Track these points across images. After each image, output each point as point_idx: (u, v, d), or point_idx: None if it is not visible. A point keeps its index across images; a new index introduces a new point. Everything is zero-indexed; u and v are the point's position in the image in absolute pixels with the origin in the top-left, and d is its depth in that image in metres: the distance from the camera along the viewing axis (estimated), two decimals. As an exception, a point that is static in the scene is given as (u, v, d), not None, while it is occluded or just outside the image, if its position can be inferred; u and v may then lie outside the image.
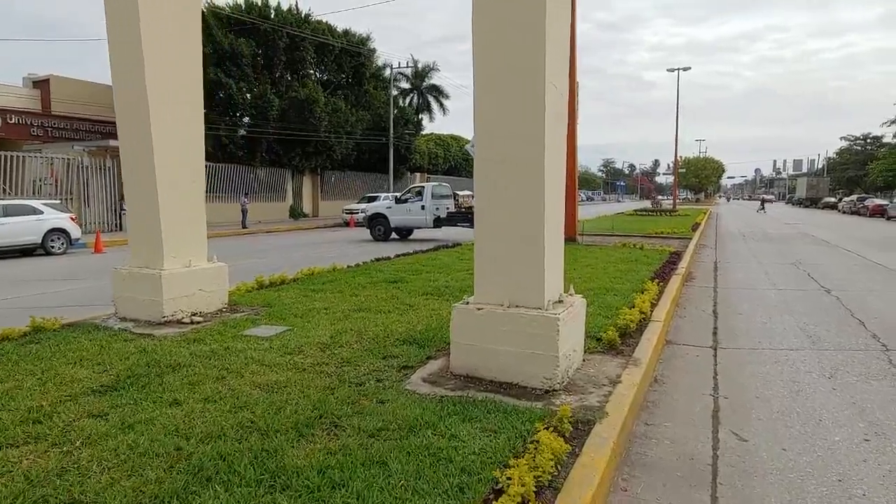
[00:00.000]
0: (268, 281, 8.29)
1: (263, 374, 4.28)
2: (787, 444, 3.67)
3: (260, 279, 8.19)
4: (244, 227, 26.65)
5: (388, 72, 46.26)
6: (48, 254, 15.60)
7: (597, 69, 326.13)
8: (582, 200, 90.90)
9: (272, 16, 31.19)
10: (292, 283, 8.42)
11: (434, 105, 58.84)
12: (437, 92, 59.65)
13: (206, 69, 22.40)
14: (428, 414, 3.52)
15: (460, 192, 44.57)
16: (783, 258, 13.78)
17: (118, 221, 24.68)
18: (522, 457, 2.87)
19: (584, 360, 4.68)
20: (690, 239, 17.02)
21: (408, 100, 59.49)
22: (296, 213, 34.99)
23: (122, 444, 3.12)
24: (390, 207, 19.64)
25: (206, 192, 22.42)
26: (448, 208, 19.79)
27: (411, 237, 21.04)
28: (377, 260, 11.18)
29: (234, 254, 15.59)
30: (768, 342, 6.09)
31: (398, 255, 12.14)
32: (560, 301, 4.41)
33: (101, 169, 23.53)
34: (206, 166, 21.77)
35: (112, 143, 23.53)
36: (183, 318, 6.04)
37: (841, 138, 79.36)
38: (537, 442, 2.99)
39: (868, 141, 73.52)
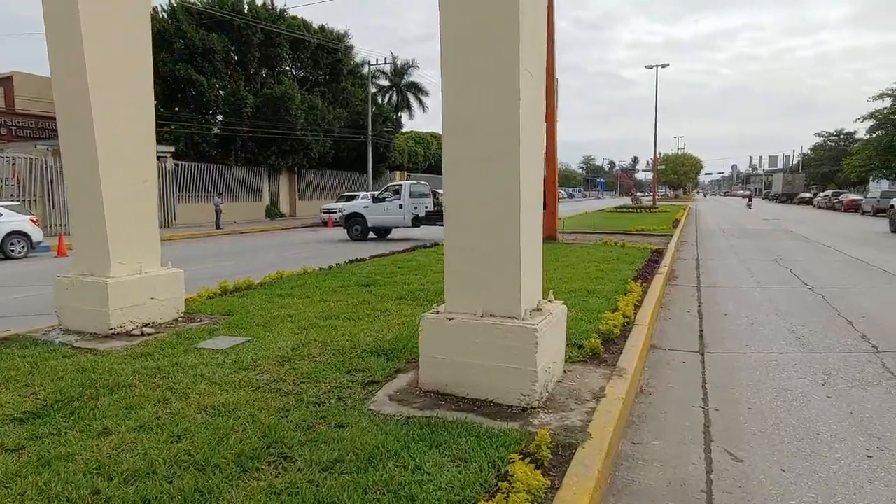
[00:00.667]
0: (232, 286, 7.82)
1: (212, 395, 3.85)
2: (785, 463, 3.36)
3: (224, 284, 7.72)
4: (218, 227, 25.93)
5: (366, 69, 45.73)
6: (7, 258, 14.86)
7: (576, 67, 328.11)
8: (563, 197, 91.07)
9: (245, 11, 30.43)
10: (259, 287, 7.97)
11: (414, 102, 58.41)
12: (417, 89, 59.22)
13: (176, 65, 21.58)
14: (391, 440, 3.13)
15: (440, 191, 44.17)
16: (764, 254, 13.65)
17: (86, 223, 23.84)
18: (494, 498, 2.49)
19: (565, 372, 4.34)
20: (671, 236, 16.86)
21: (387, 97, 58.92)
22: (272, 212, 34.30)
23: (32, 488, 2.68)
24: (367, 207, 19.19)
25: (178, 192, 21.58)
26: (427, 207, 19.39)
27: (389, 237, 20.62)
28: (351, 261, 10.75)
29: (202, 256, 15.05)
30: (757, 345, 5.82)
31: (374, 256, 11.72)
32: (538, 309, 4.05)
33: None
34: (177, 166, 20.97)
35: (77, 141, 22.69)
36: (133, 329, 5.57)
37: (815, 134, 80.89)
38: (511, 477, 2.63)
39: (842, 137, 74.73)
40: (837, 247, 15.28)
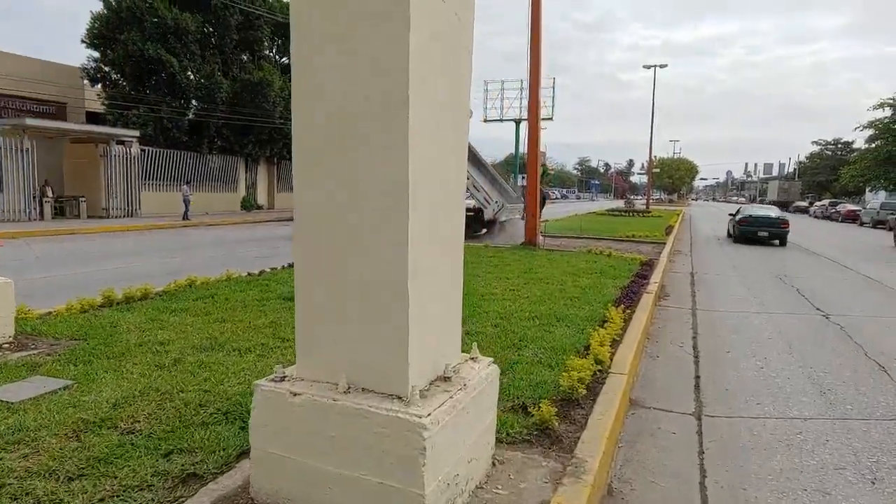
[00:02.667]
0: (122, 295, 6.32)
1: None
2: None
3: (108, 293, 6.21)
4: (185, 219, 24.31)
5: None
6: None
7: (574, 68, 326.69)
8: (555, 198, 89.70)
9: (224, -10, 28.73)
10: (155, 298, 6.47)
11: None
12: None
13: (145, 44, 19.76)
14: None
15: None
16: (765, 269, 12.28)
17: (40, 209, 22.19)
18: None
19: (494, 465, 2.87)
20: (664, 244, 15.46)
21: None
22: (249, 204, 32.69)
23: None
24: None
25: (145, 180, 19.85)
26: None
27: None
28: (291, 265, 9.23)
29: (144, 250, 13.50)
30: (771, 404, 4.39)
31: None
32: (447, 378, 2.57)
33: (17, 150, 20.97)
34: (143, 151, 19.20)
35: (30, 121, 21.05)
36: (-73, 360, 4.07)
37: (812, 142, 79.91)
38: None
39: (839, 146, 73.82)
40: (844, 262, 13.94)
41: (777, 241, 18.06)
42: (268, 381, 2.47)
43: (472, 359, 2.84)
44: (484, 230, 16.54)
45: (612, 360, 4.54)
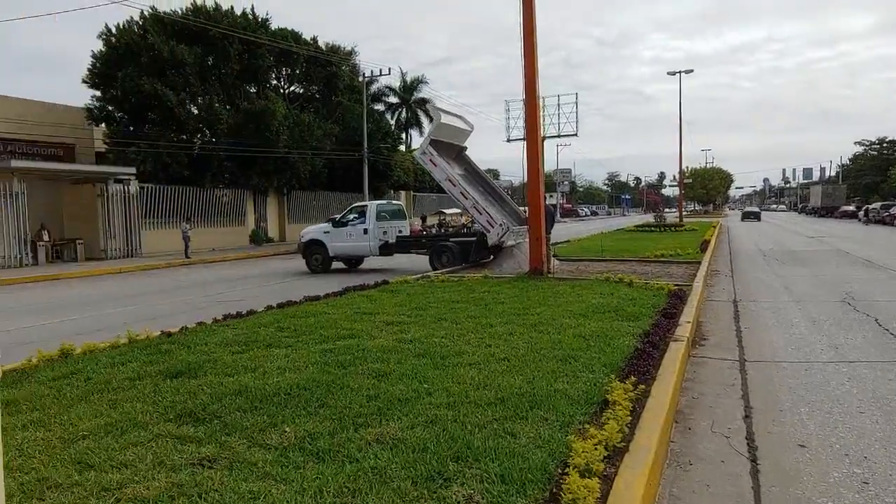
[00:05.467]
0: (-46, 379, 4.68)
1: None
2: None
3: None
4: (187, 256, 23.16)
5: (371, 84, 43.32)
6: None
7: (597, 85, 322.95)
8: (585, 215, 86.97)
9: (223, 21, 28.01)
10: (7, 374, 4.80)
11: (424, 119, 55.77)
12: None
13: (140, 80, 18.89)
14: None
15: (447, 211, 41.19)
16: (827, 291, 10.04)
17: (34, 254, 21.30)
18: None
19: None
20: (699, 263, 13.29)
21: (396, 114, 56.60)
22: (259, 238, 31.56)
23: None
24: (328, 232, 16.06)
25: (145, 218, 18.94)
26: (400, 231, 16.20)
27: (361, 267, 17.45)
28: (240, 316, 7.52)
29: (114, 297, 12.03)
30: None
31: (308, 298, 8.64)
32: None
33: (7, 195, 20.15)
34: (142, 189, 18.22)
35: (15, 163, 20.24)
36: None
37: (855, 143, 75.74)
38: None
39: (885, 145, 69.55)
40: (923, 277, 11.54)
41: None
42: None
43: None
44: (490, 256, 14.66)
45: (611, 489, 2.60)
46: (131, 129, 26.40)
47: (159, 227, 25.94)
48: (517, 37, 11.06)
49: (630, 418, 3.41)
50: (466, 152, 16.42)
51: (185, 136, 27.61)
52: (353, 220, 15.80)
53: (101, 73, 26.07)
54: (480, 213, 13.74)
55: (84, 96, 27.35)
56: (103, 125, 27.08)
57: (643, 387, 4.03)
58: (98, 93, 26.42)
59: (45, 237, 22.42)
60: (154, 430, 3.56)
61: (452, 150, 15.70)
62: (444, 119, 15.09)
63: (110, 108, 26.71)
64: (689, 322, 6.55)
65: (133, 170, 24.10)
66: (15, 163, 20.17)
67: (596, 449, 2.90)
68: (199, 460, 3.13)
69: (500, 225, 13.54)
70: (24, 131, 24.61)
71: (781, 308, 8.59)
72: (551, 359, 4.91)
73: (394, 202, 18.45)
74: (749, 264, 15.06)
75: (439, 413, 3.66)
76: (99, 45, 26.39)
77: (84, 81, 26.63)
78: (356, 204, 17.04)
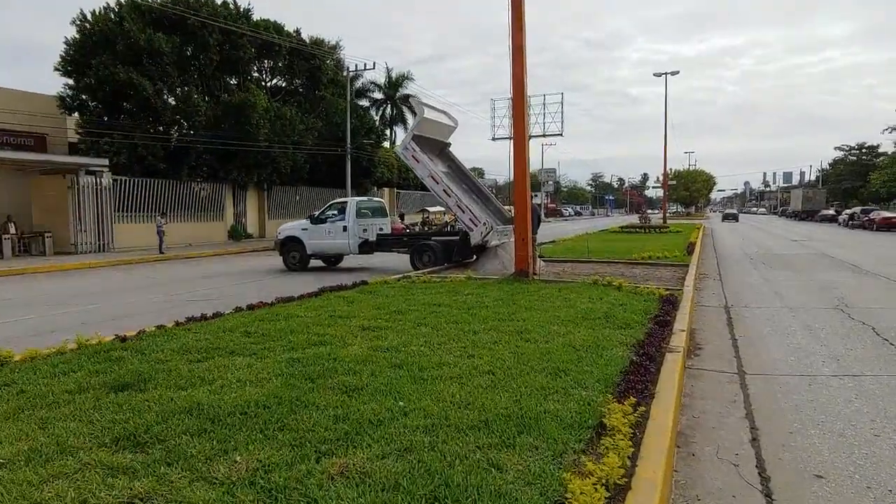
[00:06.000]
0: None
1: None
2: None
3: None
4: (161, 252, 22.40)
5: (356, 80, 42.68)
6: None
7: (584, 86, 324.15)
8: (568, 215, 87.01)
9: (202, 10, 27.17)
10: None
11: (409, 116, 55.15)
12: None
13: (115, 68, 18.07)
14: None
15: (431, 209, 40.59)
16: (819, 297, 9.79)
17: (0, 248, 20.41)
18: None
19: None
20: (687, 266, 13.02)
21: (381, 110, 55.89)
22: (237, 233, 30.81)
23: None
24: (306, 229, 15.50)
25: (118, 211, 18.12)
26: (381, 229, 15.70)
27: (341, 265, 16.93)
28: (205, 319, 6.99)
29: (65, 296, 11.30)
30: None
31: (281, 300, 8.13)
32: None
33: (-29, 184, 19.24)
34: (115, 181, 17.32)
35: (-19, 152, 19.32)
36: None
37: (836, 148, 76.69)
38: None
39: (864, 150, 70.59)
40: (912, 283, 11.37)
41: None
42: None
43: None
44: (474, 256, 14.25)
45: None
46: (105, 119, 25.50)
47: (133, 220, 25.07)
48: (506, 35, 10.65)
49: (632, 448, 3.00)
50: (450, 149, 15.98)
51: (161, 128, 26.76)
52: (332, 217, 15.27)
53: (75, 60, 25.12)
54: (463, 212, 13.32)
55: (59, 86, 26.34)
56: (76, 115, 26.14)
57: (643, 408, 3.63)
58: (71, 81, 25.48)
59: (12, 230, 21.51)
60: (84, 458, 3.07)
61: (436, 146, 15.25)
62: (428, 114, 14.63)
63: (83, 96, 25.76)
64: (683, 331, 6.19)
65: (105, 161, 23.23)
66: (-15, 152, 19.24)
67: (596, 490, 2.49)
68: (130, 498, 2.65)
69: (484, 224, 13.13)
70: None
71: (775, 315, 8.29)
72: (540, 372, 4.49)
73: (375, 199, 17.94)
74: (736, 268, 14.84)
75: (415, 439, 3.21)
76: (73, 32, 25.47)
77: (56, 69, 25.64)
78: (336, 200, 16.49)
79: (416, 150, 13.59)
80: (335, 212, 15.36)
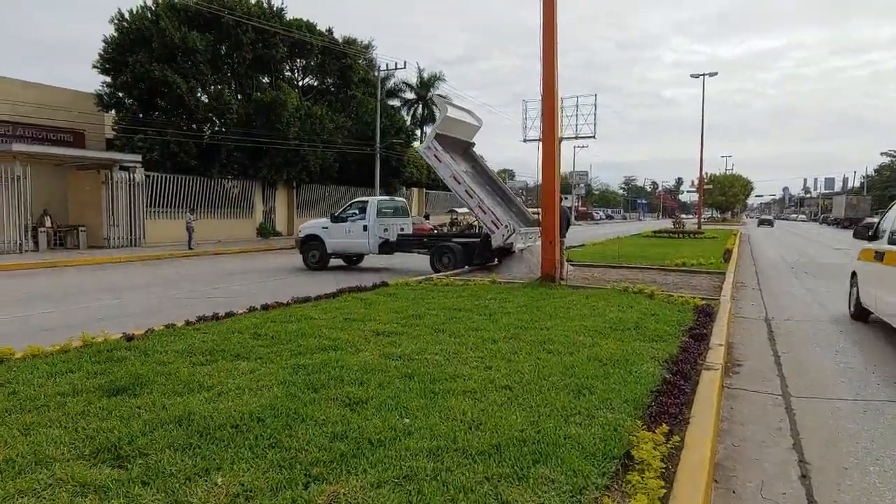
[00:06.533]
0: None
1: None
2: None
3: None
4: (190, 247, 22.62)
5: (387, 80, 42.68)
6: None
7: (617, 88, 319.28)
8: (600, 219, 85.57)
9: (236, 9, 27.41)
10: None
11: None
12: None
13: (150, 66, 18.36)
14: None
15: (459, 210, 40.39)
16: (869, 311, 9.09)
17: (34, 241, 20.85)
18: None
19: None
20: (723, 274, 12.39)
21: (412, 110, 55.87)
22: (266, 230, 31.01)
23: None
24: (326, 228, 15.33)
25: (150, 207, 18.52)
26: (402, 229, 15.44)
27: (362, 265, 16.74)
28: (217, 318, 6.80)
29: (98, 289, 11.28)
30: None
31: (297, 301, 7.92)
32: None
33: (8, 179, 19.70)
34: (148, 177, 17.49)
35: (17, 147, 19.78)
36: None
37: (882, 154, 73.59)
38: None
39: (913, 156, 67.49)
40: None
41: None
42: None
43: None
44: (496, 260, 13.85)
45: None
46: (140, 116, 25.92)
47: (164, 216, 25.44)
48: (538, 36, 10.22)
49: (663, 489, 2.61)
50: (474, 149, 15.63)
51: (194, 126, 27.09)
52: (352, 216, 15.06)
53: (112, 58, 25.62)
54: (485, 213, 12.95)
55: (95, 83, 26.98)
56: (113, 112, 26.66)
57: (677, 438, 3.22)
58: (108, 79, 25.99)
59: (48, 223, 22.00)
60: (58, 472, 2.83)
61: (459, 145, 14.92)
62: (451, 112, 14.30)
63: (120, 94, 26.25)
64: (721, 345, 5.71)
65: (138, 157, 23.59)
66: (17, 146, 19.71)
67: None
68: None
69: (506, 226, 12.74)
70: (37, 116, 24.30)
71: (821, 330, 7.69)
72: (562, 389, 4.11)
73: (396, 198, 17.67)
74: (777, 277, 14.10)
75: (417, 465, 2.88)
76: (111, 31, 25.97)
77: (94, 67, 26.20)
78: (357, 199, 16.27)
79: (439, 149, 13.27)
80: (356, 211, 15.15)
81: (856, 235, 9.30)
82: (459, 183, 13.11)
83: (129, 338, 5.62)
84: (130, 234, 23.69)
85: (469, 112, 15.67)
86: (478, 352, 5.19)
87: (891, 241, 6.89)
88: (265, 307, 7.48)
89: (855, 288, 8.27)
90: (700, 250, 18.89)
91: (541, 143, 10.89)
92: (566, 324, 6.47)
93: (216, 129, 28.27)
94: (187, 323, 6.39)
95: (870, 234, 8.10)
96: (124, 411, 3.65)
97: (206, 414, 3.56)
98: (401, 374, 4.44)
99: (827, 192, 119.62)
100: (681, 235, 30.46)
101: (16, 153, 19.62)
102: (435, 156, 13.30)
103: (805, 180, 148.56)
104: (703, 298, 8.50)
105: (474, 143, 15.68)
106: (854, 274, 8.41)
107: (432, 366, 4.70)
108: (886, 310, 6.68)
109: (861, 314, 8.03)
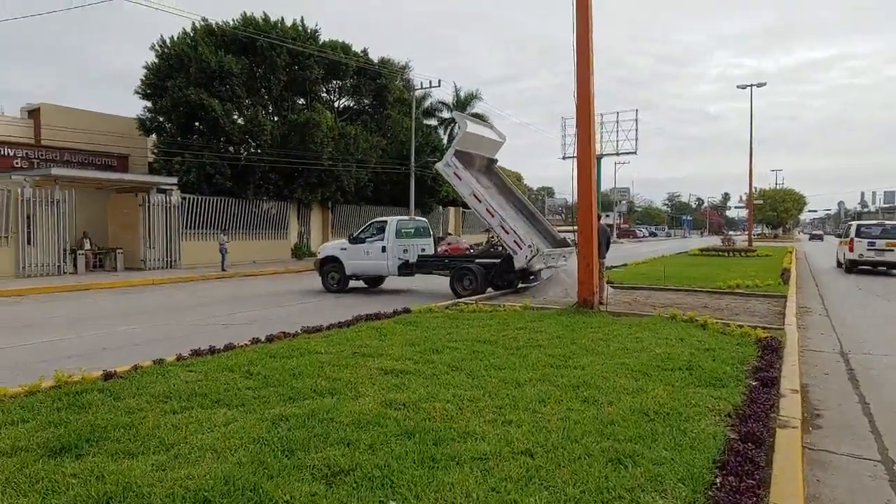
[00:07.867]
0: None
1: None
2: None
3: None
4: (223, 269, 22.53)
5: (424, 100, 42.52)
6: None
7: (658, 104, 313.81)
8: (643, 236, 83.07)
9: (272, 32, 27.67)
10: None
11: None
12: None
13: (187, 90, 18.58)
14: None
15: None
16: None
17: (73, 263, 21.10)
18: None
19: None
20: (784, 298, 11.17)
21: (448, 129, 55.67)
22: (301, 251, 30.87)
23: None
24: (345, 249, 14.74)
25: (186, 228, 18.52)
26: (423, 250, 14.72)
27: (383, 286, 16.04)
28: (213, 352, 6.20)
29: (123, 314, 10.97)
30: None
31: (308, 330, 7.27)
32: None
33: (48, 202, 20.03)
34: (184, 199, 17.62)
35: (56, 171, 20.12)
36: None
37: (949, 165, 69.01)
38: None
39: (985, 167, 63.01)
40: None
41: None
42: None
43: None
44: (518, 282, 12.94)
45: None
46: (178, 139, 26.28)
47: (200, 238, 25.54)
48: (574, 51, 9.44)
49: None
50: (496, 165, 14.88)
51: (230, 148, 27.30)
52: (370, 237, 14.43)
53: (153, 83, 26.15)
54: (507, 233, 12.13)
55: (137, 108, 27.72)
56: (153, 136, 27.16)
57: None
58: (149, 104, 26.53)
59: (87, 245, 22.30)
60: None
61: (481, 162, 14.20)
62: (471, 128, 13.61)
63: (160, 118, 26.74)
64: (795, 391, 4.72)
65: (175, 180, 23.80)
66: (56, 170, 20.06)
67: None
68: None
69: (529, 246, 11.87)
70: (86, 141, 24.99)
71: (912, 367, 6.52)
72: (597, 457, 3.25)
73: (418, 218, 16.97)
74: (844, 300, 12.70)
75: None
76: (152, 57, 26.56)
77: (136, 92, 26.81)
78: (376, 219, 15.63)
79: (459, 166, 12.59)
80: (374, 231, 14.54)
81: None
82: (480, 201, 12.39)
83: (109, 376, 5.03)
84: (167, 256, 23.81)
85: (491, 127, 14.97)
86: (497, 399, 4.37)
87: None
88: (269, 339, 6.84)
89: None
90: (753, 270, 17.49)
91: (575, 159, 10.04)
92: (605, 361, 5.56)
93: (251, 150, 28.43)
94: (178, 358, 5.79)
95: None
96: (51, 481, 3.00)
97: (145, 488, 2.86)
98: (399, 431, 3.67)
99: (887, 205, 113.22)
100: (730, 254, 28.74)
101: (56, 177, 19.96)
102: (455, 173, 12.63)
103: (862, 193, 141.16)
104: (764, 328, 7.43)
105: (497, 160, 14.94)
106: None
107: (440, 419, 3.91)
108: None
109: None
